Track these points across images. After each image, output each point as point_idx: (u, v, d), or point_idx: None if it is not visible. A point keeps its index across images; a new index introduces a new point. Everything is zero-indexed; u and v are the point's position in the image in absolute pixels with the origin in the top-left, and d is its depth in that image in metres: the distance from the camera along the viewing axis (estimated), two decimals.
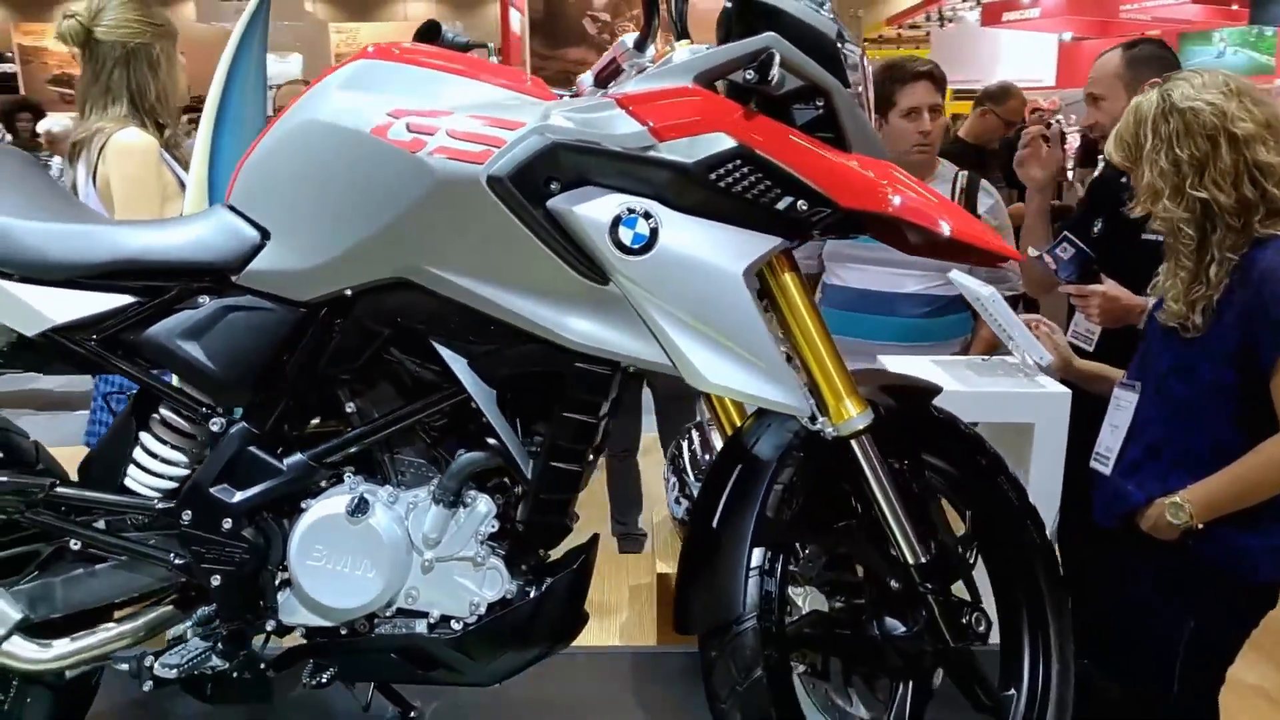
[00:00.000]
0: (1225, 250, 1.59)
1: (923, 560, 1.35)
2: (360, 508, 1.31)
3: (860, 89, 1.33)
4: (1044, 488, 2.02)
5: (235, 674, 1.35)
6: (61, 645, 1.31)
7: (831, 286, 2.69)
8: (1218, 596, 1.67)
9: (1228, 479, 1.61)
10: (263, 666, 1.36)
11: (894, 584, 1.36)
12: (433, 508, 1.33)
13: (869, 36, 14.16)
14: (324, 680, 1.35)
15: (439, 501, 1.32)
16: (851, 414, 1.31)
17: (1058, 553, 1.62)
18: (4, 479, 1.34)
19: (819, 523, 1.40)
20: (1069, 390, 2.08)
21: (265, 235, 1.30)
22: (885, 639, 1.37)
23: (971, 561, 1.53)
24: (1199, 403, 1.65)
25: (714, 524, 1.33)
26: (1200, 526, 1.61)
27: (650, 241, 1.20)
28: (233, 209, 1.33)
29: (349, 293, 1.28)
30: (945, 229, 1.27)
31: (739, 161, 1.21)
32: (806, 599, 1.43)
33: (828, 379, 1.32)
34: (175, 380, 1.36)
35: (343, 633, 1.37)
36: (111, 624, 1.36)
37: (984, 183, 2.69)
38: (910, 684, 1.38)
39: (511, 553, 1.36)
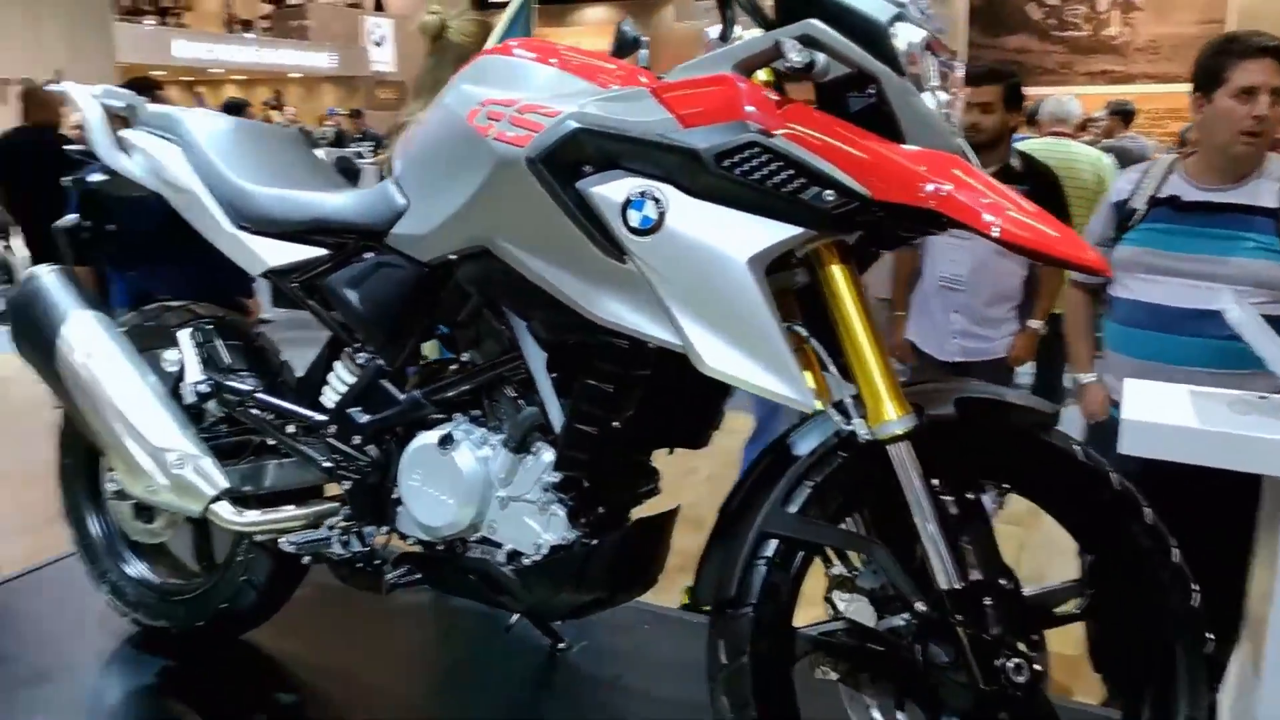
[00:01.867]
0: None
1: (956, 586, 1.25)
2: (446, 442, 1.53)
3: (927, 74, 1.24)
4: None
5: (356, 563, 1.64)
6: (251, 515, 1.70)
7: (1120, 300, 2.37)
8: None
9: None
10: (378, 563, 1.64)
11: (920, 607, 1.28)
12: (503, 451, 1.50)
13: None
14: (413, 581, 1.59)
15: (506, 446, 1.50)
16: (890, 417, 1.25)
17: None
18: (216, 380, 1.75)
19: (876, 532, 1.35)
20: None
21: (407, 204, 1.56)
22: (909, 664, 1.29)
23: (1077, 610, 1.37)
24: None
25: (732, 507, 1.35)
26: None
27: (657, 224, 1.25)
28: (396, 182, 1.60)
29: (452, 257, 1.49)
30: (994, 229, 1.16)
31: (755, 149, 1.21)
32: (851, 607, 1.39)
33: (867, 379, 1.27)
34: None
35: (439, 548, 1.60)
36: (289, 506, 1.72)
37: None
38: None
39: (577, 504, 1.49)
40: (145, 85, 4.14)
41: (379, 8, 22.00)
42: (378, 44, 20.61)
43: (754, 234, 1.22)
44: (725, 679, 1.30)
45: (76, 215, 2.10)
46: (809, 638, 1.33)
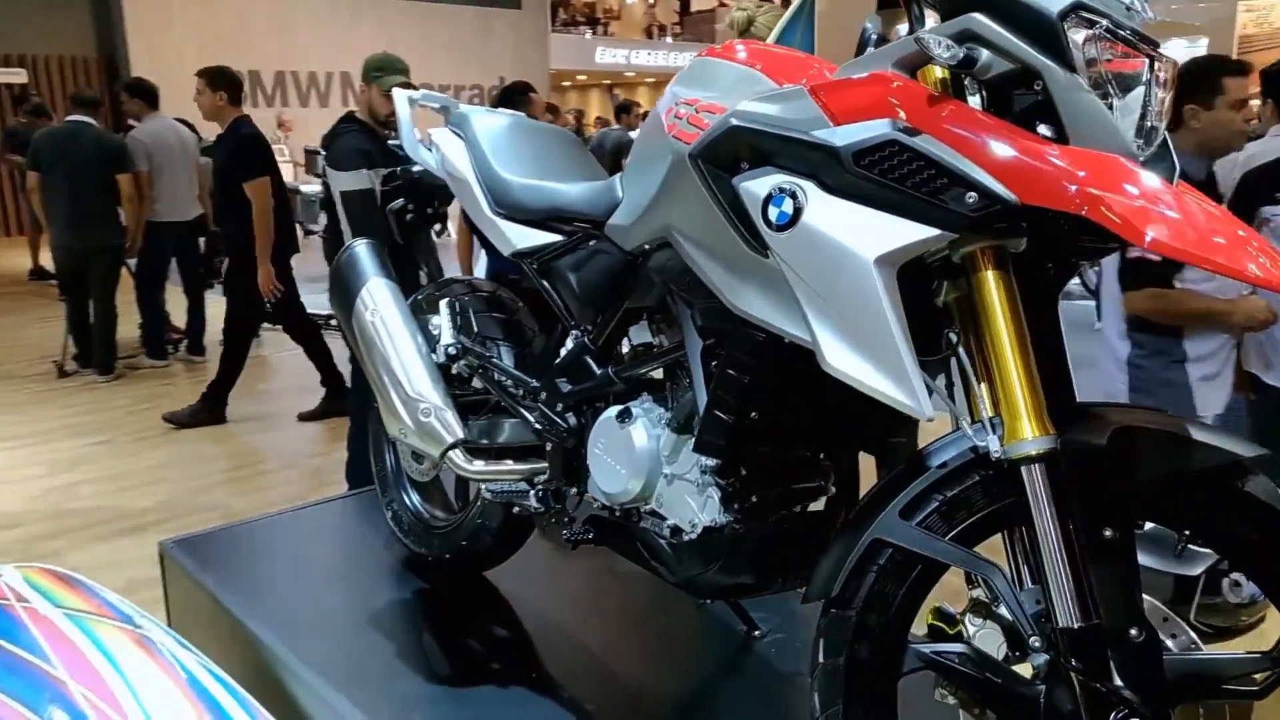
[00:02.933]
0: None
1: (1075, 626, 1.15)
2: (624, 417, 1.64)
3: (1098, 71, 1.14)
4: None
5: (550, 517, 1.82)
6: (478, 464, 1.93)
7: None
8: None
9: None
10: (568, 520, 1.80)
11: (1035, 643, 1.19)
12: (667, 431, 1.59)
13: None
14: (588, 539, 1.74)
15: (670, 426, 1.58)
16: (1025, 436, 1.18)
17: None
18: (463, 344, 2.00)
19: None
20: None
21: (623, 196, 1.69)
22: (1024, 703, 1.20)
23: (1256, 687, 1.20)
24: None
25: (859, 509, 1.33)
26: None
27: (793, 220, 1.26)
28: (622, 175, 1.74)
29: (647, 247, 1.60)
30: (1146, 236, 1.06)
31: (895, 148, 1.19)
32: (980, 633, 1.31)
33: (1008, 394, 1.20)
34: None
35: (617, 514, 1.72)
36: (510, 461, 1.93)
37: None
38: None
39: (731, 489, 1.54)
40: (518, 89, 4.66)
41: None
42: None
43: (887, 233, 1.20)
44: (820, 677, 1.29)
45: (403, 200, 2.50)
46: (921, 654, 1.28)
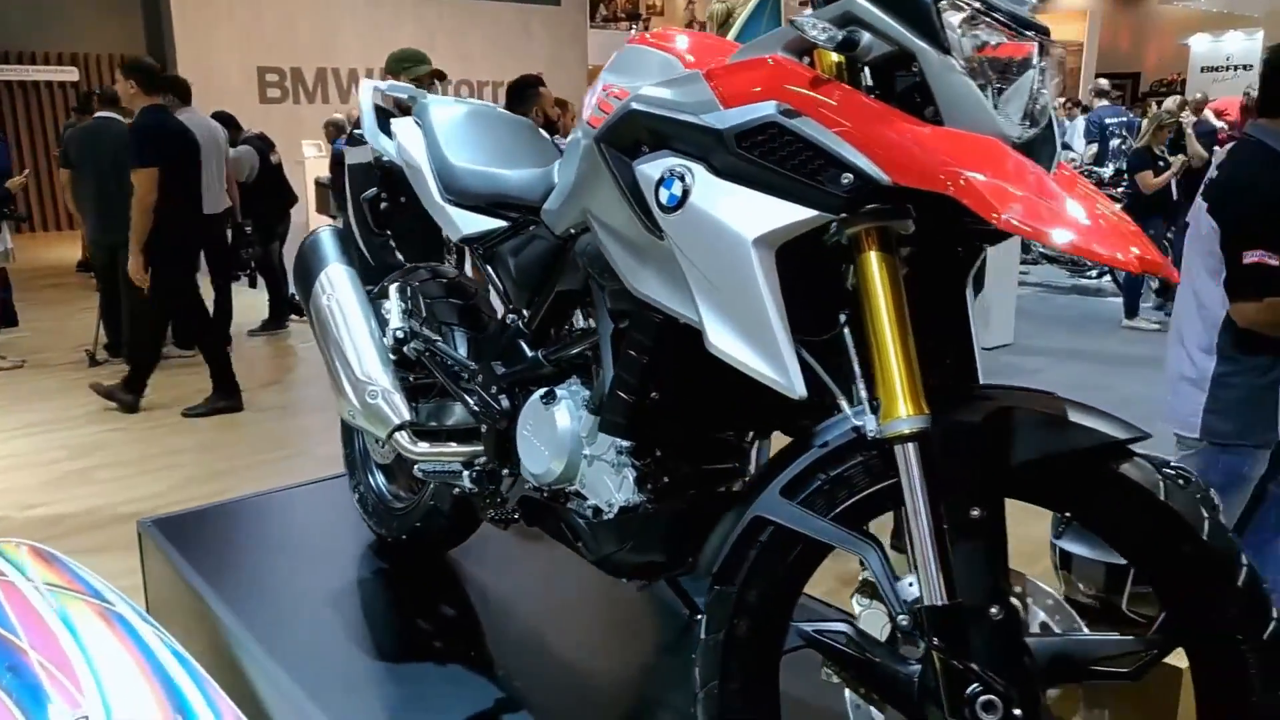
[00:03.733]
0: None
1: (938, 604, 1.16)
2: (548, 399, 1.67)
3: (976, 54, 1.14)
4: None
5: (485, 498, 1.85)
6: (423, 446, 1.96)
7: None
8: None
9: None
10: (501, 500, 1.83)
11: (902, 620, 1.19)
12: (587, 413, 1.61)
13: None
14: (514, 519, 1.76)
15: (589, 408, 1.60)
16: (900, 415, 1.19)
17: None
18: (410, 328, 2.04)
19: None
20: None
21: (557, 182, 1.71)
22: (896, 681, 1.21)
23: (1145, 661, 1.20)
24: None
25: (747, 486, 1.34)
26: None
27: (682, 201, 1.28)
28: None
29: (572, 231, 1.63)
30: (1002, 215, 1.06)
31: (775, 130, 1.20)
32: (866, 613, 1.32)
33: (885, 373, 1.21)
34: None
35: (545, 495, 1.75)
36: (452, 444, 1.96)
37: None
38: None
39: (644, 470, 1.56)
40: (528, 83, 4.71)
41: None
42: None
43: (766, 214, 1.21)
44: (701, 651, 1.31)
45: (376, 189, 2.55)
46: (803, 632, 1.29)
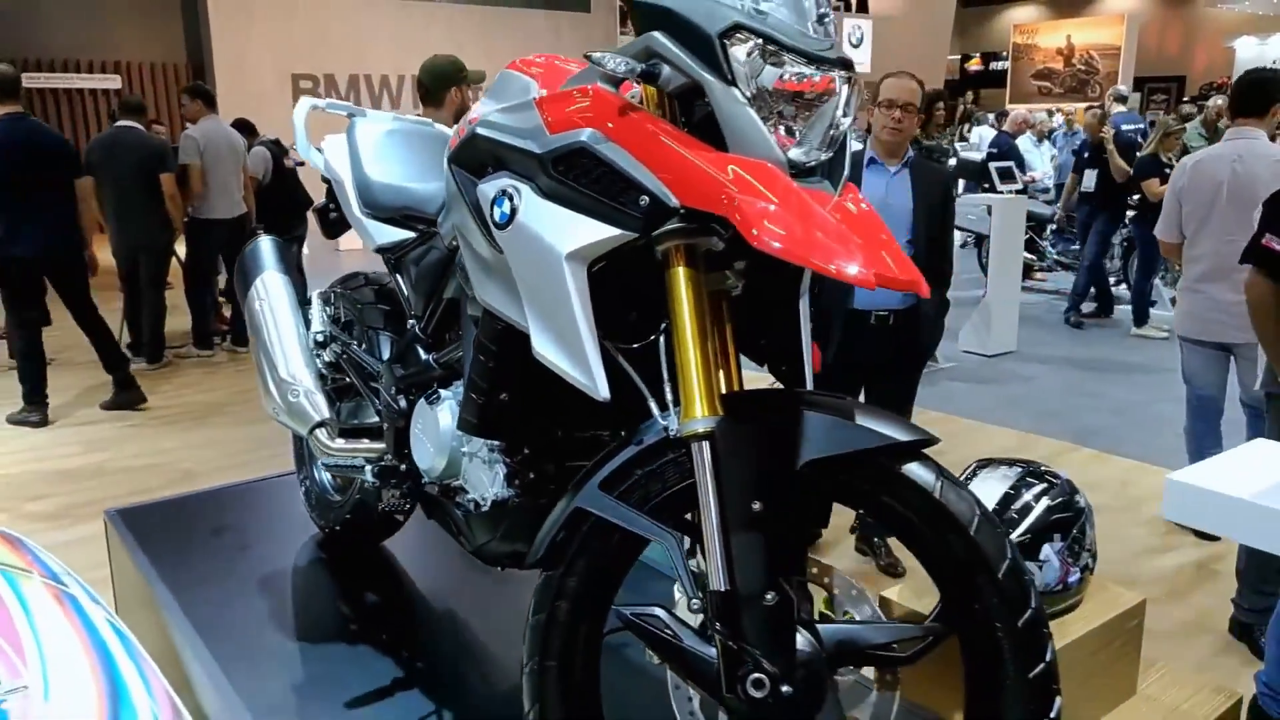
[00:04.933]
0: None
1: (721, 589, 1.26)
2: (433, 400, 1.80)
3: (770, 85, 1.25)
4: None
5: (387, 490, 1.98)
6: (339, 443, 2.10)
7: None
8: None
9: None
10: (399, 494, 1.96)
11: (694, 604, 1.30)
12: None
13: None
14: (408, 509, 1.89)
15: None
16: (695, 416, 1.30)
17: None
18: (329, 333, 2.18)
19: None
20: None
21: None
22: (698, 662, 1.32)
23: (923, 646, 1.30)
24: None
25: (577, 480, 1.45)
26: None
27: (511, 218, 1.40)
28: None
29: (453, 243, 1.75)
30: (762, 238, 1.16)
31: (582, 155, 1.32)
32: (681, 599, 1.43)
33: (685, 378, 1.32)
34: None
35: (437, 490, 1.88)
36: (365, 440, 2.10)
37: None
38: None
39: (511, 466, 1.68)
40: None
41: (861, 8, 22.31)
42: (855, 45, 20.94)
43: (577, 232, 1.33)
44: (527, 630, 1.43)
45: (325, 200, 2.70)
46: (620, 615, 1.40)
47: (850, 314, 3.37)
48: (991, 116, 16.03)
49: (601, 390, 1.32)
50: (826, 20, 1.33)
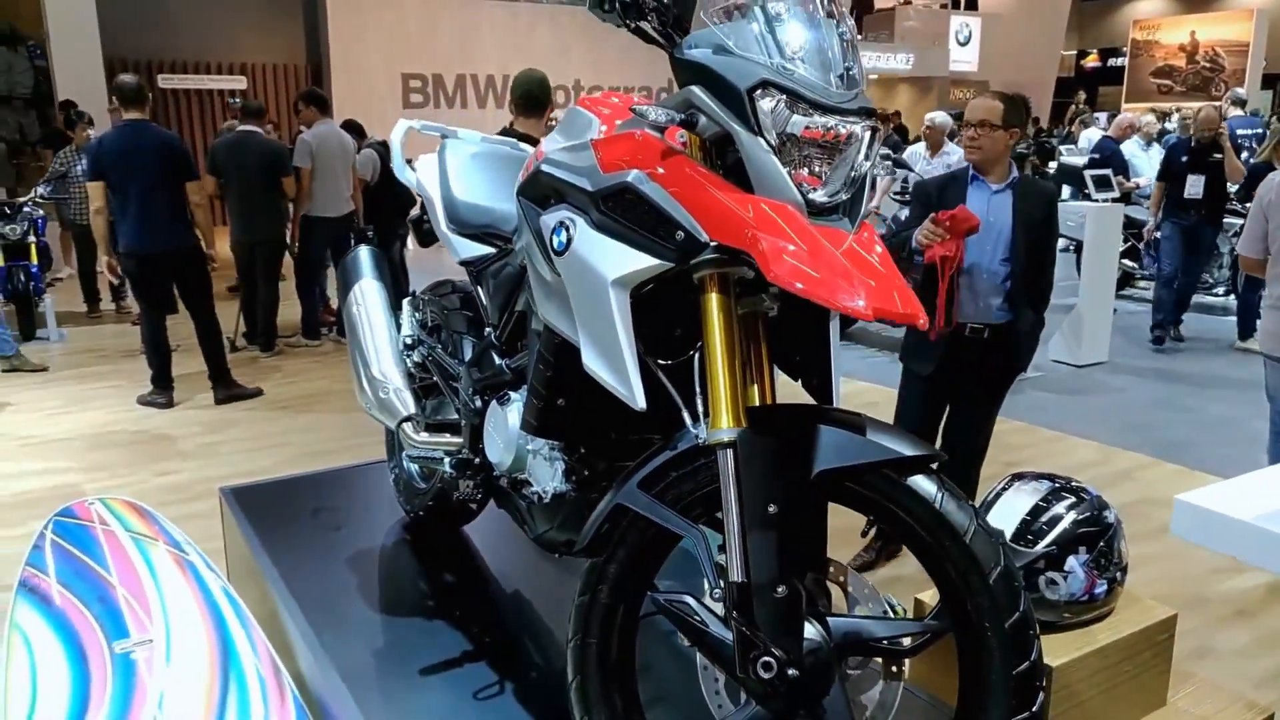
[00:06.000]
0: None
1: (738, 581, 1.42)
2: (503, 401, 2.00)
3: (799, 132, 1.40)
4: None
5: (464, 481, 2.19)
6: (423, 437, 2.33)
7: None
8: None
9: None
10: (473, 485, 2.17)
11: (717, 593, 1.46)
12: None
13: None
14: (479, 501, 2.10)
15: None
16: (721, 426, 1.46)
17: None
18: (416, 336, 2.40)
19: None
20: None
21: None
22: (720, 644, 1.48)
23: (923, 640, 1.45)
24: None
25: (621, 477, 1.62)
26: None
27: (567, 247, 1.59)
28: None
29: (524, 262, 1.95)
30: (779, 273, 1.32)
31: (626, 194, 1.50)
32: (711, 589, 1.59)
33: (714, 392, 1.48)
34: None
35: (506, 482, 2.08)
36: (446, 435, 2.31)
37: None
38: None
39: (568, 463, 1.86)
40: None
41: (970, 5, 21.89)
42: (963, 43, 20.58)
43: (622, 261, 1.51)
44: (573, 610, 1.61)
45: (419, 212, 2.94)
46: (655, 600, 1.57)
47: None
48: (1103, 118, 15.59)
49: (639, 402, 1.50)
50: (852, 72, 1.48)
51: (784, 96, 1.40)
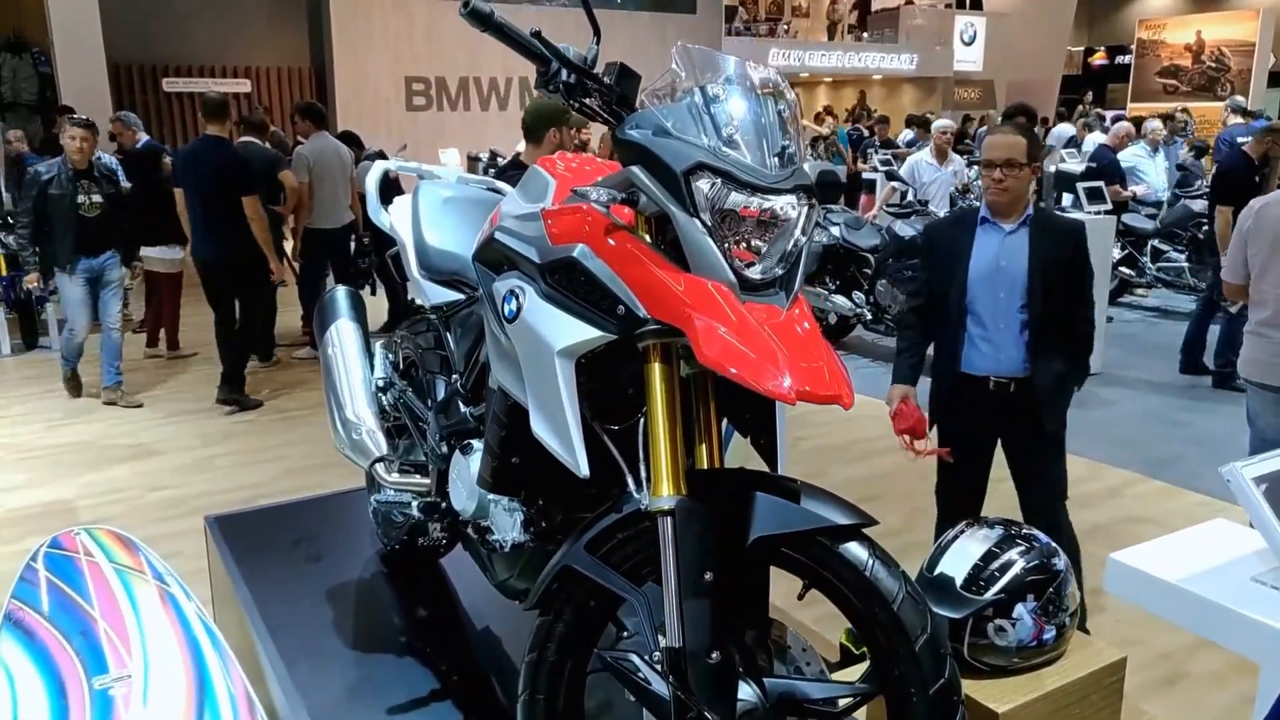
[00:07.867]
0: None
1: (675, 645, 1.47)
2: (466, 450, 2.05)
3: (706, 213, 1.44)
4: None
5: (429, 524, 2.25)
6: (394, 477, 2.38)
7: None
8: None
9: None
10: (439, 528, 2.22)
11: (655, 655, 1.52)
12: None
13: None
14: (445, 544, 2.15)
15: None
16: (661, 493, 1.51)
17: None
18: (387, 379, 2.45)
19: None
20: None
21: None
22: (661, 703, 1.53)
23: (853, 703, 1.49)
24: None
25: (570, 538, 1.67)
26: None
27: (517, 314, 1.64)
28: None
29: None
30: (708, 356, 1.37)
31: (573, 267, 1.55)
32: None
33: (655, 460, 1.53)
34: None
35: (469, 528, 2.13)
36: (418, 477, 2.37)
37: None
38: None
39: (527, 514, 1.91)
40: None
41: (975, 5, 21.84)
42: (968, 43, 20.54)
43: (567, 332, 1.56)
44: (523, 666, 1.66)
45: (397, 249, 2.99)
46: (601, 658, 1.62)
47: (964, 378, 3.25)
48: (1108, 118, 15.56)
49: (583, 469, 1.54)
50: (789, 150, 1.52)
51: (719, 179, 1.45)
